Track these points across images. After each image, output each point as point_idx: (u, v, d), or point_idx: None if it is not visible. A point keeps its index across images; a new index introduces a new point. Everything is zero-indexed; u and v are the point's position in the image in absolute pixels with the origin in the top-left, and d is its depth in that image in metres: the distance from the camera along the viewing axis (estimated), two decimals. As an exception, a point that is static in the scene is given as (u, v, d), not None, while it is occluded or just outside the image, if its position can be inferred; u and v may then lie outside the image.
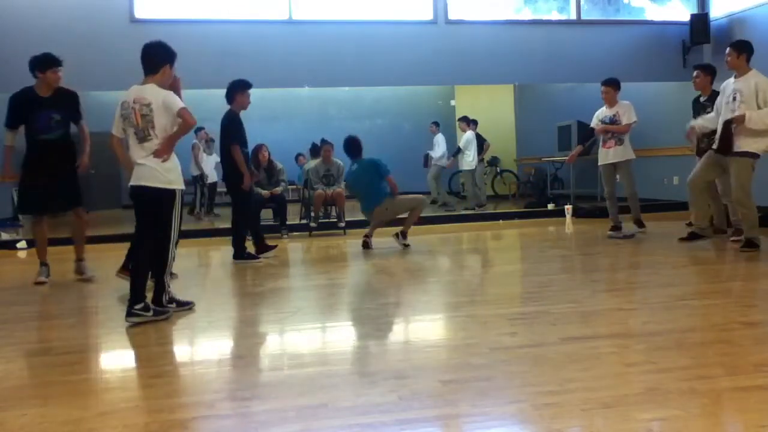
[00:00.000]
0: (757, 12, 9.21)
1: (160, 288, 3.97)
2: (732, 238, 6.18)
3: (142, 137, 3.86)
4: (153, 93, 3.86)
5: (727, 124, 5.50)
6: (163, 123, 3.83)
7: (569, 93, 12.31)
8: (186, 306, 4.10)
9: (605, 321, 3.56)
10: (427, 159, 11.87)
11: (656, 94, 10.72)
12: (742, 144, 5.47)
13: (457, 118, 12.32)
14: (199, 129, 10.33)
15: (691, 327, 3.38)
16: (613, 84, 7.15)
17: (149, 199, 3.89)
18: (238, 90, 5.92)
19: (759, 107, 5.41)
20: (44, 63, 5.08)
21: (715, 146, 5.64)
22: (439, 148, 11.60)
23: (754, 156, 5.50)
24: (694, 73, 6.52)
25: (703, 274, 5.07)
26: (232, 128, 5.94)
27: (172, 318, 3.89)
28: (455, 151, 11.15)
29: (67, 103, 5.20)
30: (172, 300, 4.05)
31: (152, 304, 3.88)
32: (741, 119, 5.38)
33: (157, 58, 3.95)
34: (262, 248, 6.35)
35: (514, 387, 2.53)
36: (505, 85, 12.00)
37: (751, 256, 5.37)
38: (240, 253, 6.07)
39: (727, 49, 5.65)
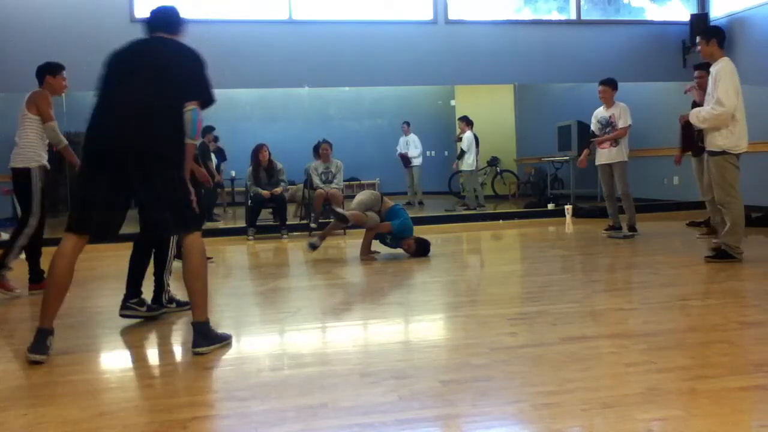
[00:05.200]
0: (757, 12, 9.21)
1: (160, 286, 3.98)
2: (700, 234, 5.95)
3: None
4: None
5: (687, 124, 5.33)
6: None
7: (569, 93, 12.31)
8: (186, 306, 4.09)
9: (605, 321, 3.56)
10: (405, 159, 12.32)
11: (656, 94, 10.72)
12: (715, 141, 5.16)
13: (457, 117, 12.38)
14: (210, 129, 10.27)
15: (691, 327, 3.38)
16: (610, 84, 7.15)
17: None
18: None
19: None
20: None
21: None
22: (416, 148, 12.13)
23: (728, 153, 5.12)
24: (696, 74, 6.21)
25: (703, 274, 5.06)
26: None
27: (172, 318, 3.89)
28: (459, 154, 11.24)
29: None
30: (171, 300, 4.05)
31: (152, 303, 3.90)
32: (682, 118, 5.30)
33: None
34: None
35: (514, 387, 2.52)
36: (505, 85, 12.01)
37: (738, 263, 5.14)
38: None
39: (697, 39, 5.32)
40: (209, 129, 10.22)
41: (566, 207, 9.58)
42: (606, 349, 2.96)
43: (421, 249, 6.10)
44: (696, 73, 6.25)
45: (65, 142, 4.89)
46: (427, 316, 3.96)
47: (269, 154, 8.36)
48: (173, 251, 4.05)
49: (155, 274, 4.01)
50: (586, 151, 7.49)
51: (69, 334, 3.64)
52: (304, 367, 2.91)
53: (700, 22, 10.00)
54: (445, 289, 4.90)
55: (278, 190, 8.22)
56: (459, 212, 10.59)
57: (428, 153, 13.80)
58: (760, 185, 8.28)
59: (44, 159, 4.87)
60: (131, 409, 2.44)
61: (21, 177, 4.78)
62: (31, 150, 4.78)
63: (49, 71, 4.94)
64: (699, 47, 5.29)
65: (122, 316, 3.79)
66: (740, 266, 5.00)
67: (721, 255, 5.22)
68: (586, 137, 7.73)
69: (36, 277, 4.94)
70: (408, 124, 12.68)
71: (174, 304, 4.06)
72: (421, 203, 12.23)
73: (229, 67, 9.32)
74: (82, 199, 3.14)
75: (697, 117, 5.22)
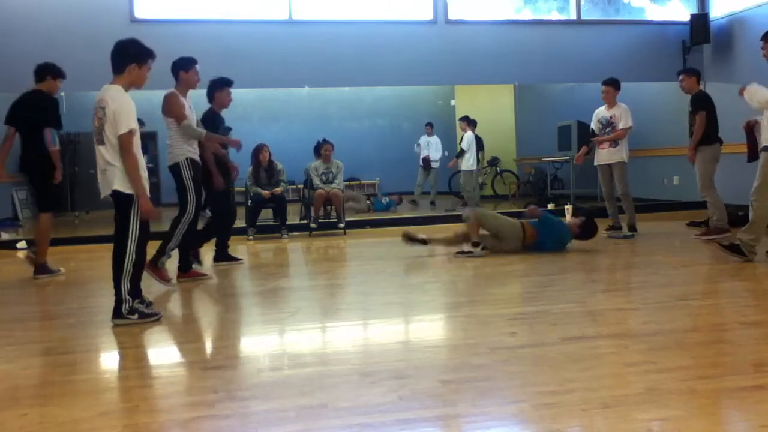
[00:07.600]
0: (757, 12, 9.21)
1: (120, 298, 3.71)
2: (695, 235, 5.89)
3: (99, 139, 3.71)
4: (111, 96, 3.69)
5: (748, 129, 5.12)
6: (111, 130, 3.66)
7: (569, 93, 12.31)
8: (152, 318, 3.79)
9: (605, 321, 3.56)
10: (427, 162, 12.25)
11: (656, 94, 10.72)
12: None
13: (457, 118, 12.40)
14: (228, 130, 10.25)
15: (691, 327, 3.38)
16: (613, 84, 7.18)
17: (117, 202, 3.73)
18: (216, 88, 5.76)
19: None
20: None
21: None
22: (437, 151, 12.23)
23: None
24: (680, 78, 6.78)
25: (703, 274, 5.06)
26: (211, 127, 5.55)
27: (171, 318, 3.88)
28: (458, 153, 11.25)
29: None
30: (134, 311, 3.76)
31: (112, 317, 3.72)
32: (741, 90, 5.05)
33: (122, 56, 3.75)
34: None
35: (514, 387, 2.53)
36: (505, 85, 12.01)
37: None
38: (223, 253, 6.21)
39: (761, 43, 5.17)
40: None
41: (566, 207, 9.56)
42: (606, 349, 2.96)
43: (590, 229, 6.44)
44: (680, 77, 6.81)
45: (202, 133, 5.12)
46: (427, 316, 3.96)
47: (269, 154, 8.36)
48: (132, 257, 3.74)
49: (114, 283, 3.73)
50: (584, 149, 7.56)
51: (69, 334, 3.65)
52: (304, 367, 2.91)
53: (700, 22, 10.00)
54: (445, 289, 4.90)
55: (278, 190, 8.22)
56: (459, 212, 10.58)
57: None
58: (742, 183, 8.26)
59: (191, 153, 5.05)
60: (131, 409, 2.44)
61: (174, 172, 5.04)
62: (177, 147, 5.02)
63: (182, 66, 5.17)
64: (763, 51, 5.17)
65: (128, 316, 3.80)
66: (741, 266, 5.00)
67: (733, 249, 5.15)
68: (585, 137, 7.76)
69: (184, 267, 5.25)
70: (431, 125, 12.51)
71: (136, 316, 3.74)
72: (432, 203, 12.25)
73: (229, 67, 9.32)
74: None
75: (752, 93, 4.95)
